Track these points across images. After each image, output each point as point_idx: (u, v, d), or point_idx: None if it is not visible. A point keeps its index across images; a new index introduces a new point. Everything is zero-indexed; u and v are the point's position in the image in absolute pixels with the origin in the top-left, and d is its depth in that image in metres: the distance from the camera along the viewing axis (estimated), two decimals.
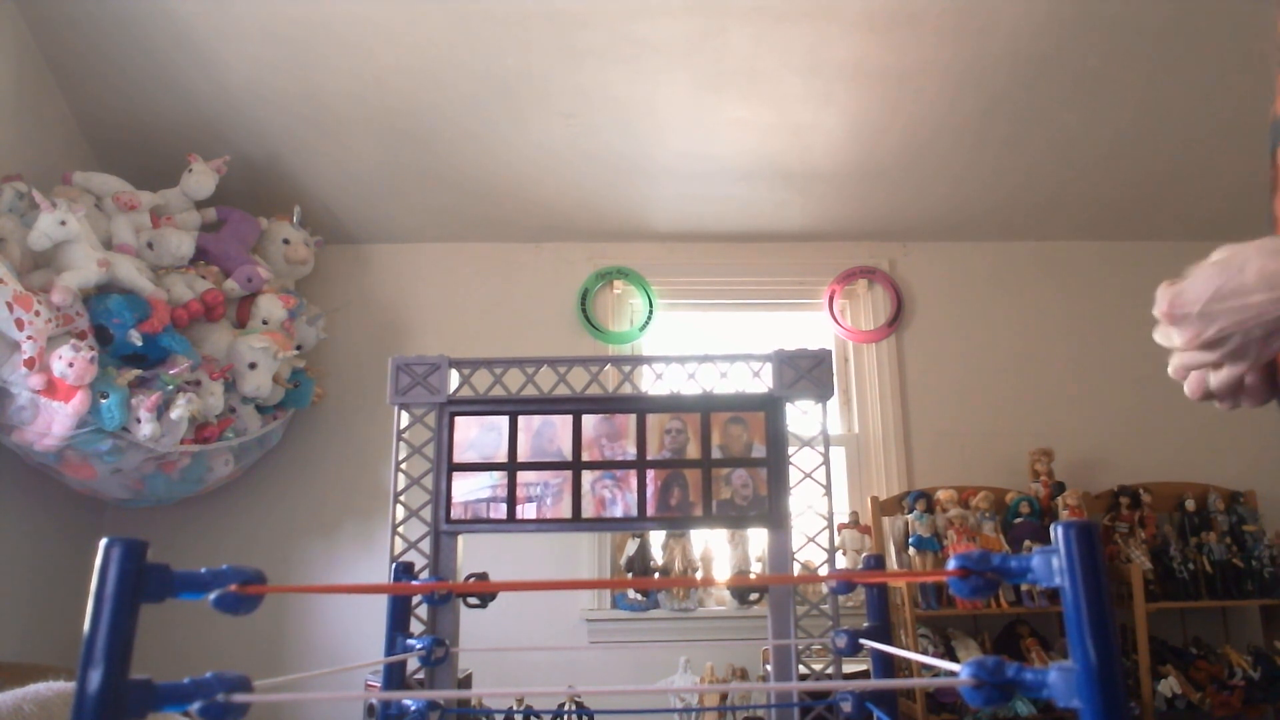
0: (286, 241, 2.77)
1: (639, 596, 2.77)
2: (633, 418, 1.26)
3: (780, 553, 1.21)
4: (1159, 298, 0.74)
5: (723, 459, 1.24)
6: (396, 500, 1.24)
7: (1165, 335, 0.75)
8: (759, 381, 1.26)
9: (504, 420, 1.26)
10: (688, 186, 2.90)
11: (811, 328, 3.17)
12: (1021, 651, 2.57)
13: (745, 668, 2.61)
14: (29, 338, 1.95)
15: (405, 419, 1.26)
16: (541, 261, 3.13)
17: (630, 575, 2.72)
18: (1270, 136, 0.82)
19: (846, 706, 1.02)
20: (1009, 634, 2.67)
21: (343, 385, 2.97)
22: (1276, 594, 2.62)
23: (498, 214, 3.01)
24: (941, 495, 2.72)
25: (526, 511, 1.23)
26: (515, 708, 2.04)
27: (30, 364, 1.96)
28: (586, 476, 1.24)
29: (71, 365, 1.98)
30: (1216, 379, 0.76)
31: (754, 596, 2.56)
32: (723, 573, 2.73)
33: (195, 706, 0.43)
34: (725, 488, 1.23)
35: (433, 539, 1.23)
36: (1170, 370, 0.79)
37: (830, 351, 1.28)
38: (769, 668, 1.22)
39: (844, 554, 2.71)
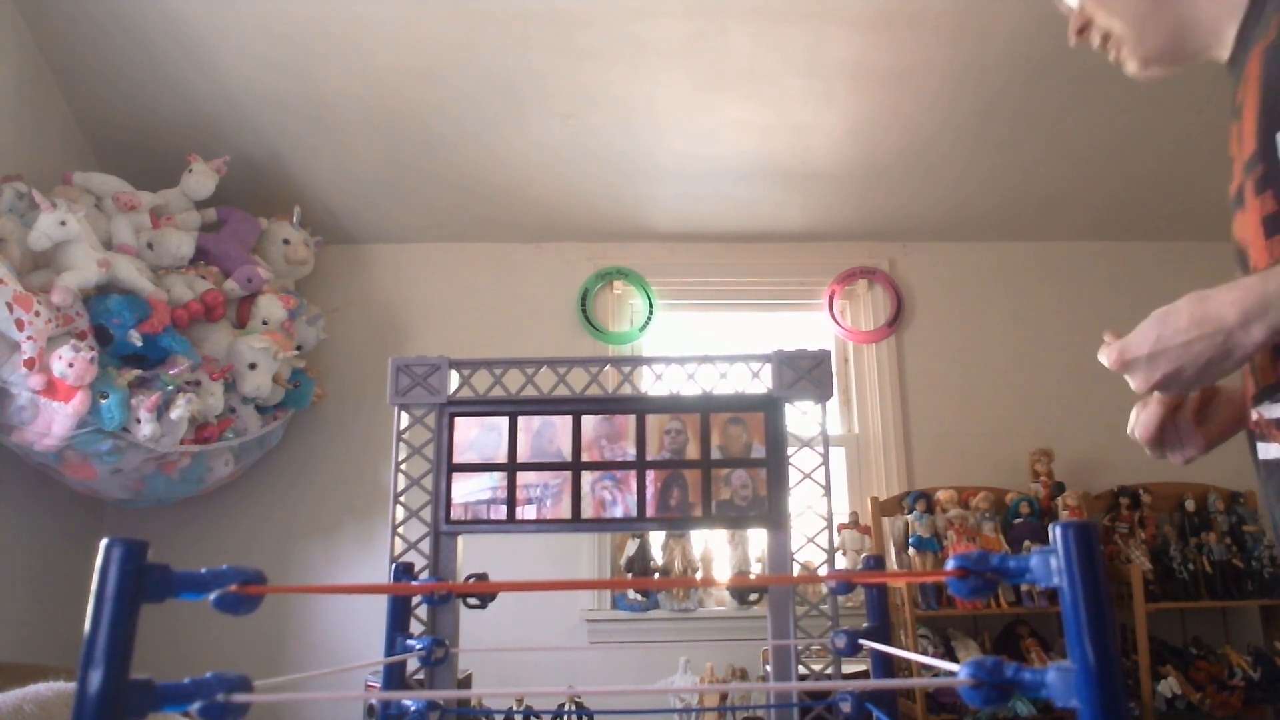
0: (286, 241, 2.77)
1: (639, 597, 2.77)
2: (632, 418, 1.26)
3: (780, 553, 1.21)
4: (1105, 351, 0.82)
5: (722, 459, 1.24)
6: (396, 501, 1.24)
7: (1107, 357, 0.83)
8: (759, 382, 1.26)
9: (504, 421, 1.26)
10: (688, 186, 2.90)
11: (811, 328, 3.17)
12: (1021, 652, 2.57)
13: (745, 668, 2.61)
14: (29, 338, 1.95)
15: (405, 419, 1.26)
16: (541, 261, 3.13)
17: (630, 575, 2.72)
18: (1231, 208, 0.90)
19: (846, 707, 1.02)
20: (1009, 634, 2.67)
21: (343, 385, 2.97)
22: (1276, 594, 2.62)
23: (498, 214, 3.01)
24: (941, 495, 2.72)
25: (526, 512, 1.23)
26: (515, 708, 2.04)
27: (30, 364, 1.96)
28: (586, 477, 1.24)
29: (71, 365, 1.98)
30: (1146, 418, 0.91)
31: (754, 597, 2.57)
32: (723, 573, 2.73)
33: (195, 706, 0.43)
34: (725, 488, 1.23)
35: (432, 539, 1.23)
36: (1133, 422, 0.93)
37: (830, 352, 1.28)
38: (769, 668, 1.22)
39: (844, 554, 2.71)
